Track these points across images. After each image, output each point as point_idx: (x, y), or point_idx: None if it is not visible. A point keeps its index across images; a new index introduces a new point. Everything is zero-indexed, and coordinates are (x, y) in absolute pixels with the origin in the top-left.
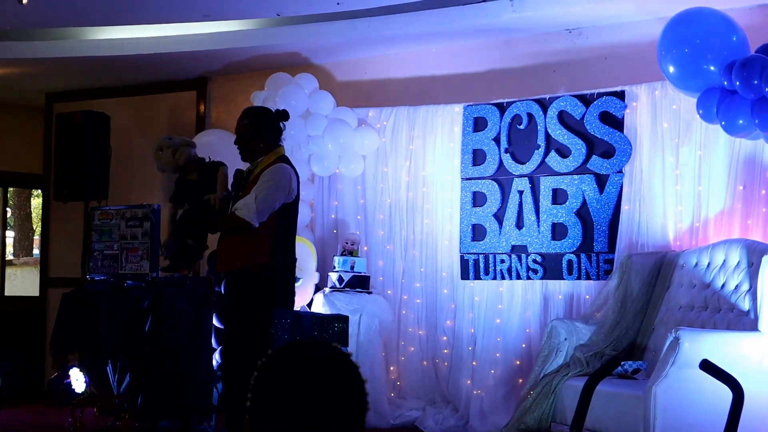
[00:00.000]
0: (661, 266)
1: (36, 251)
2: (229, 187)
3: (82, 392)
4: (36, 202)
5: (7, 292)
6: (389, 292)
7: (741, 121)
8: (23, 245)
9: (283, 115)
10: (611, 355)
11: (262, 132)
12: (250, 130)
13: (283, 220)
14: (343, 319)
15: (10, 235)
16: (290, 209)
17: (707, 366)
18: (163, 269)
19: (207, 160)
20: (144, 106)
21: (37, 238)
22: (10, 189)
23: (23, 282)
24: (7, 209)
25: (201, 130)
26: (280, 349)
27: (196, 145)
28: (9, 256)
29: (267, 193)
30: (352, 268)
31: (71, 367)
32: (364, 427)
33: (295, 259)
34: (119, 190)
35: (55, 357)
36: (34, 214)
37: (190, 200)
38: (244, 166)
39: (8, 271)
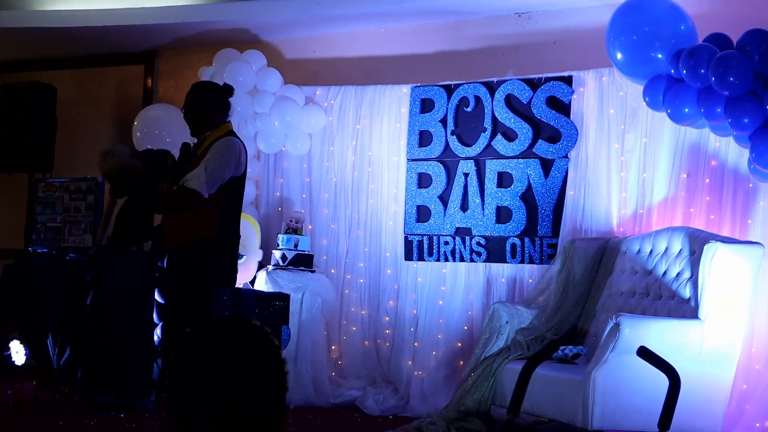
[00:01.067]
0: (604, 252)
1: None
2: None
3: (22, 365)
4: None
5: None
6: (333, 271)
7: (687, 110)
8: None
9: (229, 90)
10: (552, 339)
11: (211, 106)
12: (199, 104)
13: (231, 195)
14: (284, 297)
15: None
16: (237, 183)
17: (644, 353)
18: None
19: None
20: (91, 78)
21: None
22: None
23: None
24: None
25: (148, 104)
26: (198, 327)
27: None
28: None
29: (217, 164)
30: (295, 246)
31: (11, 340)
32: (284, 406)
33: (239, 236)
34: (64, 163)
35: None
36: None
37: (132, 191)
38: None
39: None
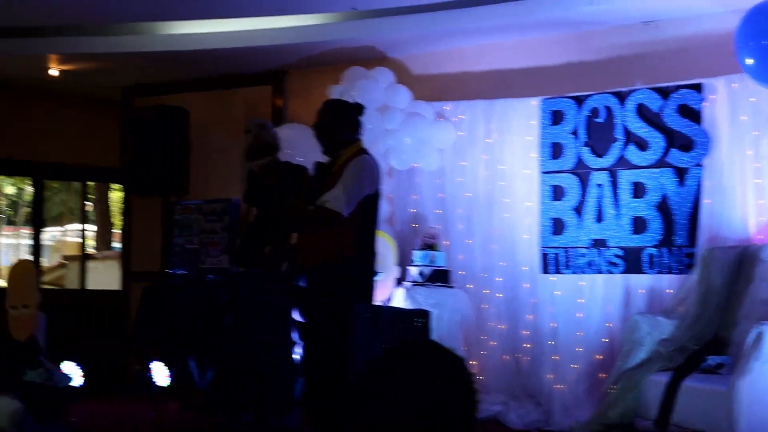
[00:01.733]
0: (743, 260)
1: (116, 244)
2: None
3: (165, 386)
4: (116, 195)
5: (89, 286)
6: (470, 286)
7: None
8: (104, 239)
9: (359, 108)
10: (693, 350)
11: (343, 124)
12: (331, 122)
13: (366, 212)
14: (424, 314)
15: (91, 228)
16: (373, 201)
17: None
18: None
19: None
20: (221, 100)
21: (117, 231)
22: (91, 183)
23: (105, 275)
24: (87, 203)
25: (278, 123)
26: (392, 348)
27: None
28: (91, 250)
29: (354, 183)
30: (432, 262)
31: (153, 361)
32: (475, 423)
33: (375, 252)
34: (197, 184)
35: (136, 351)
36: (113, 208)
37: (264, 204)
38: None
39: (90, 264)
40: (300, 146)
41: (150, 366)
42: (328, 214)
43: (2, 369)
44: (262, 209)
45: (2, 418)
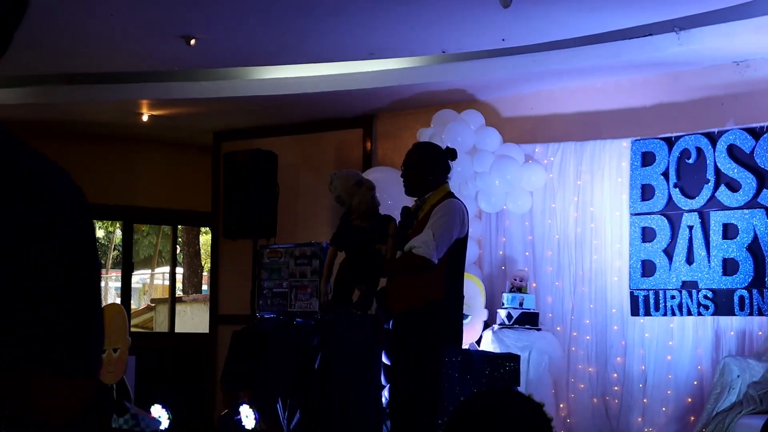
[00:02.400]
0: None
1: (204, 287)
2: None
3: (252, 429)
4: (204, 238)
5: (178, 329)
6: (558, 328)
7: None
8: (192, 282)
9: (452, 154)
10: None
11: (432, 166)
12: (419, 163)
13: (455, 256)
14: (514, 359)
15: (179, 271)
16: (461, 245)
17: None
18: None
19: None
20: (310, 143)
21: (205, 274)
22: (180, 226)
23: (193, 319)
24: (177, 246)
25: (368, 166)
26: (474, 395)
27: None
28: (179, 293)
29: (444, 229)
30: (520, 304)
31: (241, 404)
32: None
33: (463, 296)
34: (286, 227)
35: (225, 394)
36: (202, 251)
37: (354, 246)
38: (409, 204)
39: (178, 307)
40: (389, 189)
41: (238, 409)
42: (417, 261)
43: (91, 415)
44: (350, 252)
45: None
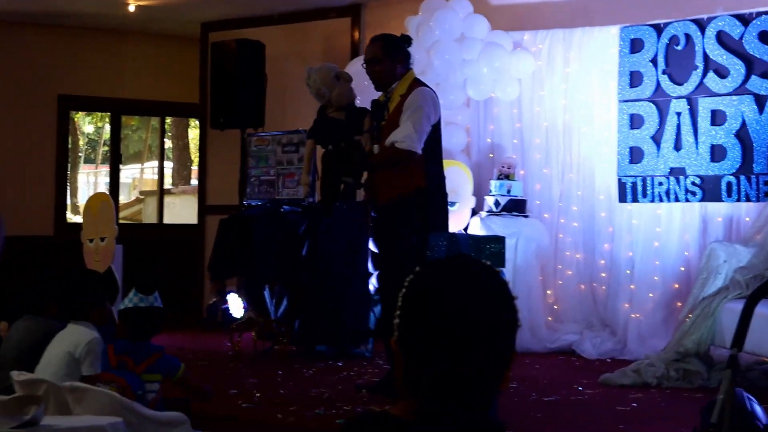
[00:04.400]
0: None
1: (194, 181)
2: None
3: (240, 317)
4: (193, 132)
5: (166, 221)
6: (546, 215)
7: None
8: (181, 175)
9: (408, 40)
10: None
11: (395, 57)
12: (385, 54)
13: (433, 142)
14: (499, 240)
15: (168, 165)
16: (436, 130)
17: None
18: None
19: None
20: (298, 33)
21: (195, 168)
22: (168, 120)
23: (182, 210)
24: (165, 139)
25: (355, 56)
26: (427, 265)
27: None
28: (168, 186)
29: (422, 118)
30: (508, 191)
31: (229, 293)
32: (514, 345)
33: (445, 178)
34: (274, 117)
35: (213, 282)
36: (191, 145)
37: (332, 138)
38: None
39: (167, 199)
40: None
41: (226, 298)
42: (403, 154)
43: (81, 299)
44: (327, 145)
45: (80, 346)
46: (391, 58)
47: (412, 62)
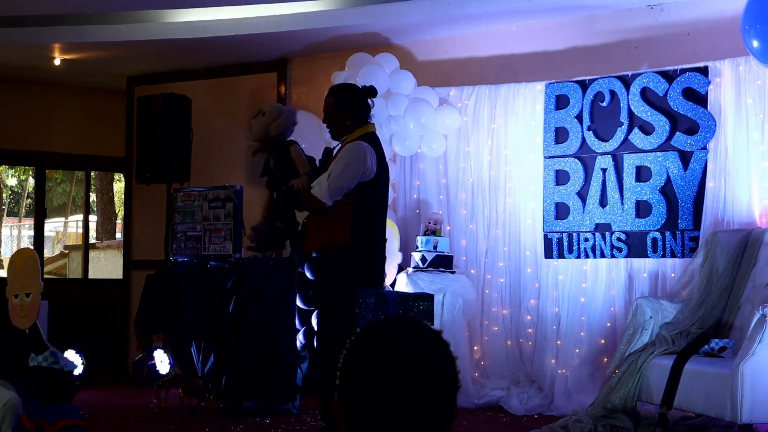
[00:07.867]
0: (747, 243)
1: (119, 235)
2: (317, 164)
3: (167, 373)
4: (118, 186)
5: (91, 275)
6: (472, 271)
7: None
8: (106, 229)
9: (371, 91)
10: (697, 334)
11: (348, 109)
12: (335, 107)
13: (362, 199)
14: (428, 298)
15: (93, 219)
16: (369, 187)
17: None
18: (249, 248)
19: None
20: (225, 88)
21: (119, 222)
22: (93, 173)
23: (107, 265)
24: (90, 193)
25: None
26: (369, 326)
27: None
28: (92, 240)
29: (340, 171)
30: (435, 247)
31: (155, 349)
32: (455, 406)
33: (382, 239)
34: (201, 172)
35: (139, 339)
36: (116, 198)
37: (273, 186)
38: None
39: (92, 254)
40: (303, 133)
41: (152, 354)
42: (314, 201)
43: (4, 357)
44: (276, 191)
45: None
46: (340, 112)
47: (371, 115)
